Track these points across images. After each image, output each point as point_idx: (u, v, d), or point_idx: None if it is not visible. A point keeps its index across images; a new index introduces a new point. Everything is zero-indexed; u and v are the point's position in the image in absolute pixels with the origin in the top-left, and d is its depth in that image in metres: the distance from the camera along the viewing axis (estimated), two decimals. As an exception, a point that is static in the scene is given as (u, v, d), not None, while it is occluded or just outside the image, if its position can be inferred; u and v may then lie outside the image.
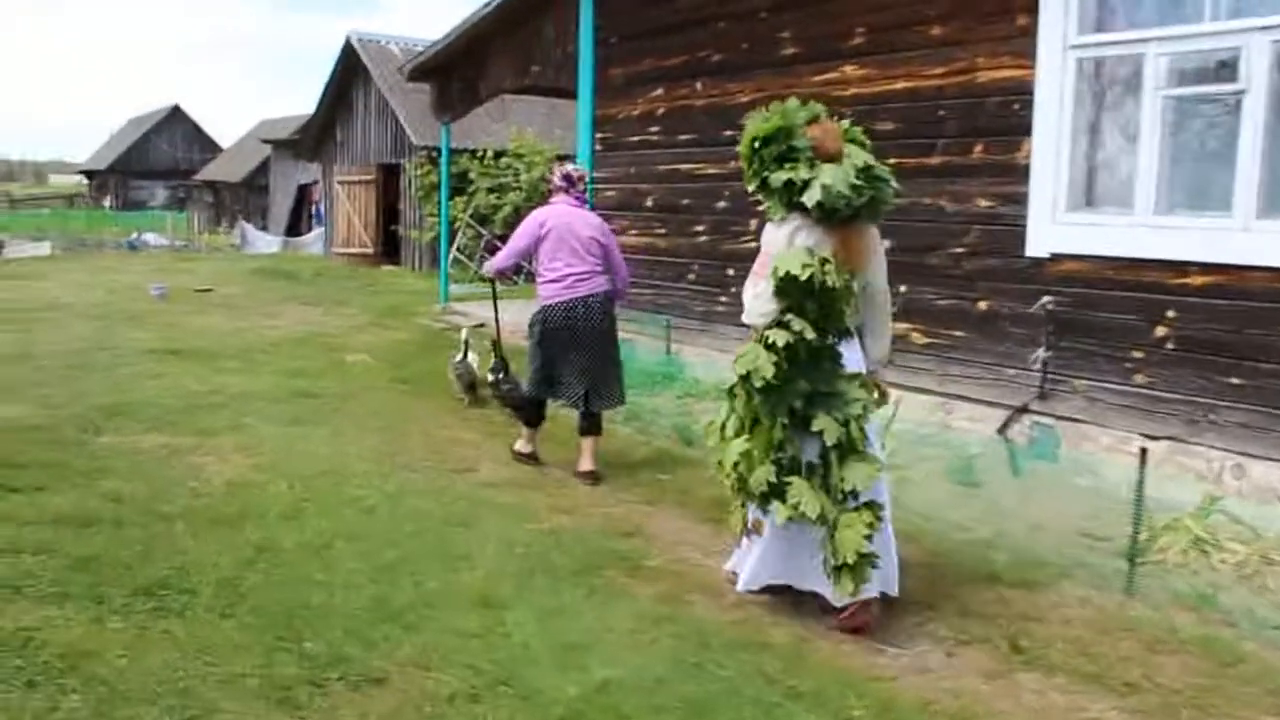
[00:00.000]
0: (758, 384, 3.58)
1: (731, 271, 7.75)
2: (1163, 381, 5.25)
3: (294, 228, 29.40)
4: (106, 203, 47.30)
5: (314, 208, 26.71)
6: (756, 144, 3.79)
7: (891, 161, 6.60)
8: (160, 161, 48.59)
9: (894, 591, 3.88)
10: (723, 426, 3.90)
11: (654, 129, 8.49)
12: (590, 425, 5.55)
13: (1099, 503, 5.13)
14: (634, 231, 8.76)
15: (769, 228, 3.86)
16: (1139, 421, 5.34)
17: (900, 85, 6.43)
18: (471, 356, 7.33)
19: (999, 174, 5.96)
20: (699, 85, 7.96)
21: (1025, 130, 5.79)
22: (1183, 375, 5.17)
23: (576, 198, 5.61)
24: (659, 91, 8.36)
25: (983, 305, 6.10)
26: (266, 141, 31.72)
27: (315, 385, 7.67)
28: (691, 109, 7.87)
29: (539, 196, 14.00)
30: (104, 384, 7.47)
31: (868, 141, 3.92)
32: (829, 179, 3.60)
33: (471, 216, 16.71)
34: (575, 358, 5.45)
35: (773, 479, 3.63)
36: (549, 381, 5.55)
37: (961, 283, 6.21)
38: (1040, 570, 4.34)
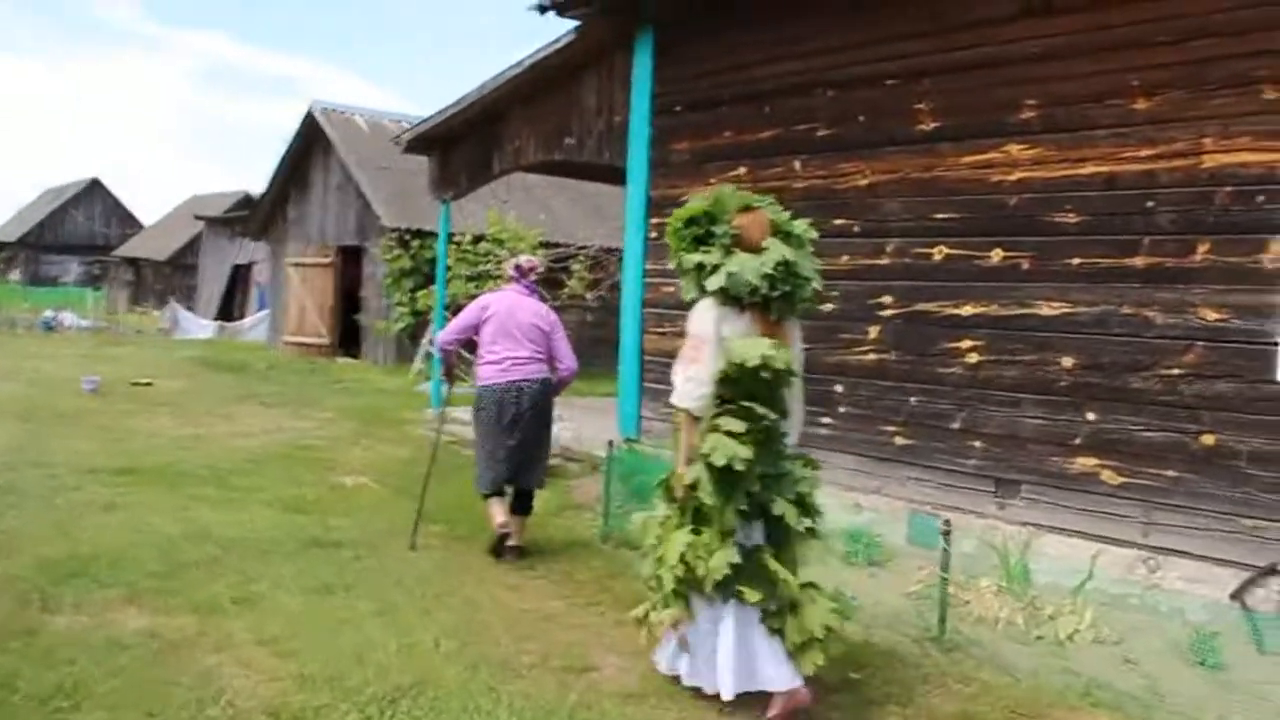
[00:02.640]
0: (739, 468, 3.52)
1: (840, 388, 6.43)
2: None
3: (226, 311, 27.35)
4: (14, 276, 44.33)
5: (257, 290, 24.77)
6: (680, 224, 3.92)
7: (1075, 261, 5.59)
8: (76, 236, 45.91)
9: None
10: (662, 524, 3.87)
11: (731, 215, 7.20)
12: (518, 504, 5.70)
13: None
14: (701, 333, 7.41)
15: (693, 312, 3.87)
16: None
17: (1089, 170, 5.29)
18: None
19: (1233, 280, 4.83)
20: (798, 164, 6.74)
21: (1273, 229, 4.68)
22: None
23: (527, 287, 5.83)
24: (740, 170, 7.10)
25: (1209, 440, 4.90)
26: (200, 218, 29.75)
27: (326, 526, 6.01)
28: (788, 191, 6.55)
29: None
30: (46, 523, 5.71)
31: (813, 236, 3.95)
32: (736, 267, 3.70)
33: (446, 306, 15.17)
34: (507, 439, 5.58)
35: (736, 560, 3.59)
36: (491, 469, 5.64)
37: (1178, 411, 5.00)
38: None
